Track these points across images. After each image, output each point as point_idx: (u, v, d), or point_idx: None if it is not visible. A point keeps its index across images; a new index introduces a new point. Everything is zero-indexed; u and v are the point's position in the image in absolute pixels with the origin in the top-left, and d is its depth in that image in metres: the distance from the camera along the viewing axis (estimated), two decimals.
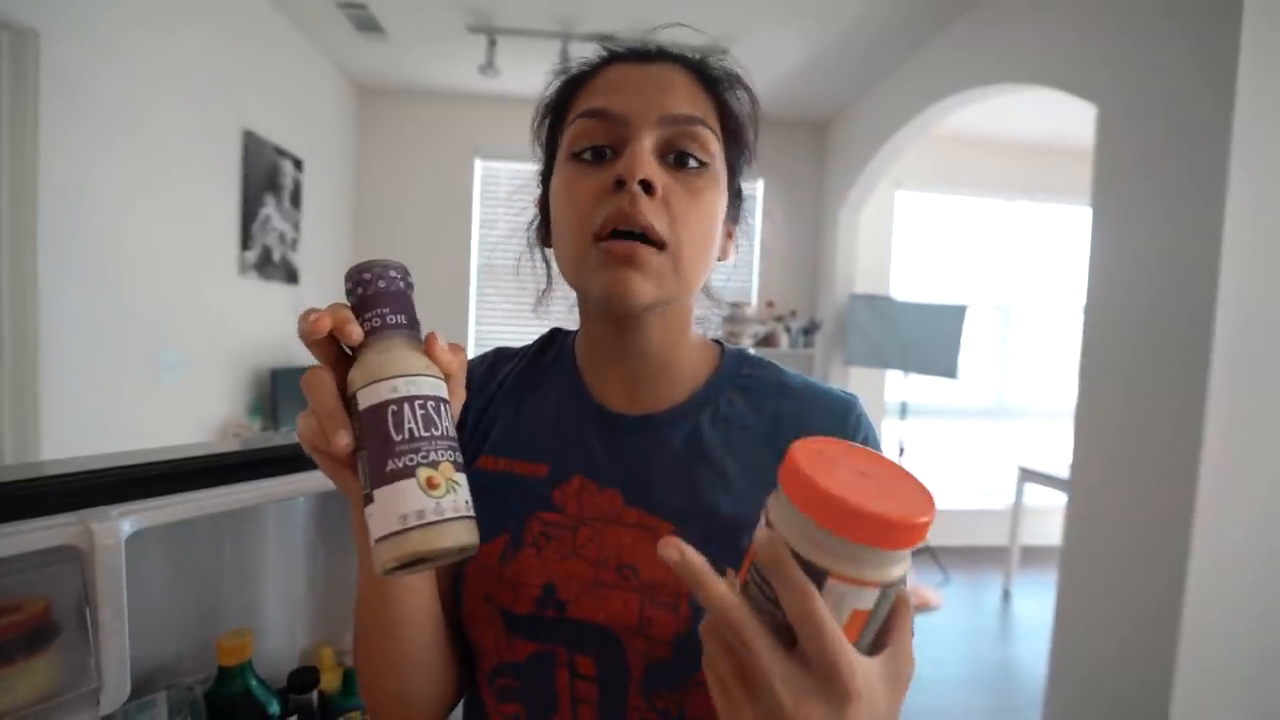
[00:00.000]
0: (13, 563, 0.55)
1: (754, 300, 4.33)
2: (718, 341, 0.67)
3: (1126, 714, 1.79)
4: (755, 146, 0.62)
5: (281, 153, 3.12)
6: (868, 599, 0.32)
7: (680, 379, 0.61)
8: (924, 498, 0.32)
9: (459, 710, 0.63)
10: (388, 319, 0.42)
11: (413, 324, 0.44)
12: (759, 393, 0.61)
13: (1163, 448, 1.71)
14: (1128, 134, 1.90)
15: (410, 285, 0.44)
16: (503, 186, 4.19)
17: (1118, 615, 1.84)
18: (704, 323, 0.67)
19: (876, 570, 0.31)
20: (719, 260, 0.62)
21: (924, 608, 3.41)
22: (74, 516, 0.58)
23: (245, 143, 2.82)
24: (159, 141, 2.28)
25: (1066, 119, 3.08)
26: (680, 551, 0.34)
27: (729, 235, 0.64)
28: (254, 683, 0.74)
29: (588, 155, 0.54)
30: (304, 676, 0.81)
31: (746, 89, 0.60)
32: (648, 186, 0.51)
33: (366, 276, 0.43)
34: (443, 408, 0.42)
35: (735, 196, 0.62)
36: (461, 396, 0.46)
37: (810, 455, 0.33)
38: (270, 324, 3.14)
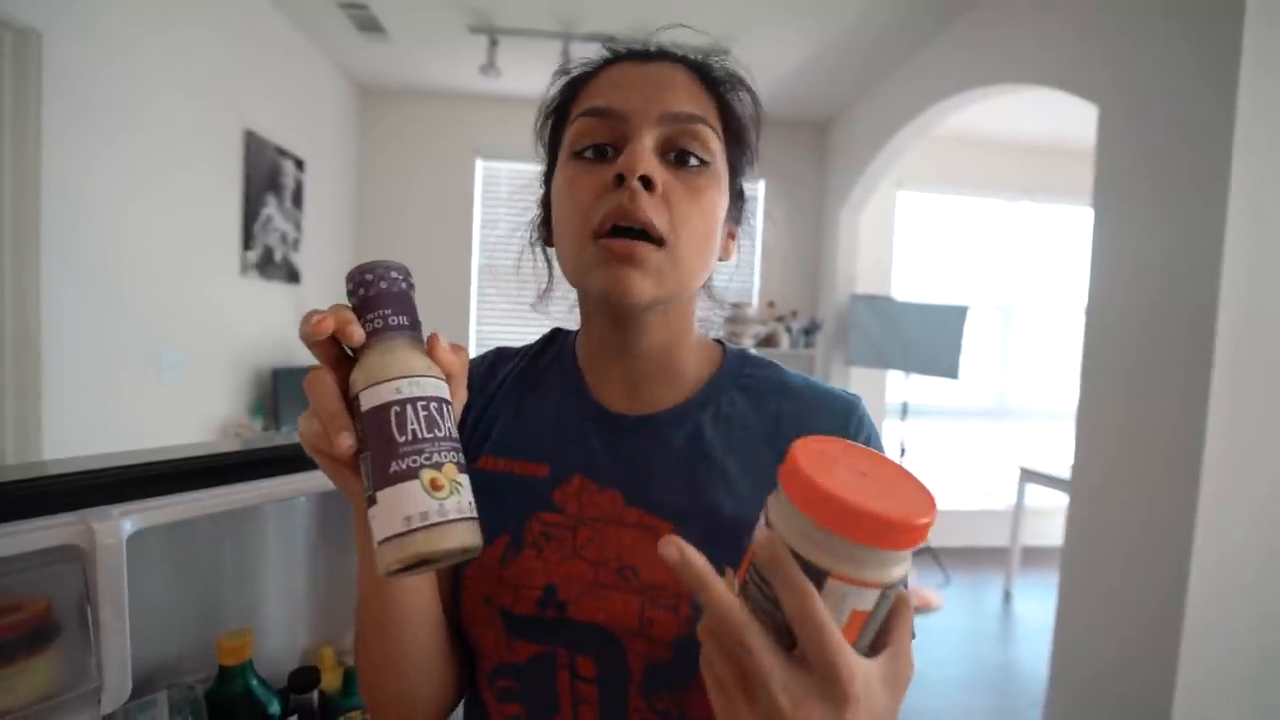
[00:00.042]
0: (14, 562, 0.55)
1: (755, 300, 4.33)
2: (719, 341, 0.66)
3: (1128, 715, 1.79)
4: (757, 148, 0.62)
5: (283, 153, 3.12)
6: (868, 599, 0.32)
7: (682, 378, 0.61)
8: (925, 498, 0.32)
9: (459, 710, 0.63)
10: (390, 320, 0.42)
11: (414, 325, 0.44)
12: (760, 392, 0.61)
13: (1164, 448, 1.71)
14: (1129, 134, 1.90)
15: (412, 286, 0.44)
16: (504, 187, 4.19)
17: (1119, 616, 1.83)
18: (706, 324, 0.67)
19: (877, 571, 0.31)
20: (720, 260, 0.62)
21: (925, 608, 3.41)
22: (75, 516, 0.58)
23: (247, 143, 2.82)
24: (160, 141, 2.28)
25: (1067, 119, 3.08)
26: (680, 551, 0.34)
27: (731, 236, 0.64)
28: (254, 682, 0.75)
29: (589, 153, 0.54)
30: (304, 676, 0.81)
31: (748, 90, 0.60)
32: (648, 182, 0.51)
33: (368, 278, 0.43)
34: (445, 409, 0.42)
35: (737, 197, 0.62)
36: (463, 397, 0.46)
37: (811, 455, 0.33)
38: (271, 324, 3.15)
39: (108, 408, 2.11)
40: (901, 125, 3.32)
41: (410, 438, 0.39)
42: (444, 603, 0.56)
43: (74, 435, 1.93)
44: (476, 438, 0.62)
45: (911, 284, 4.35)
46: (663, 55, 0.58)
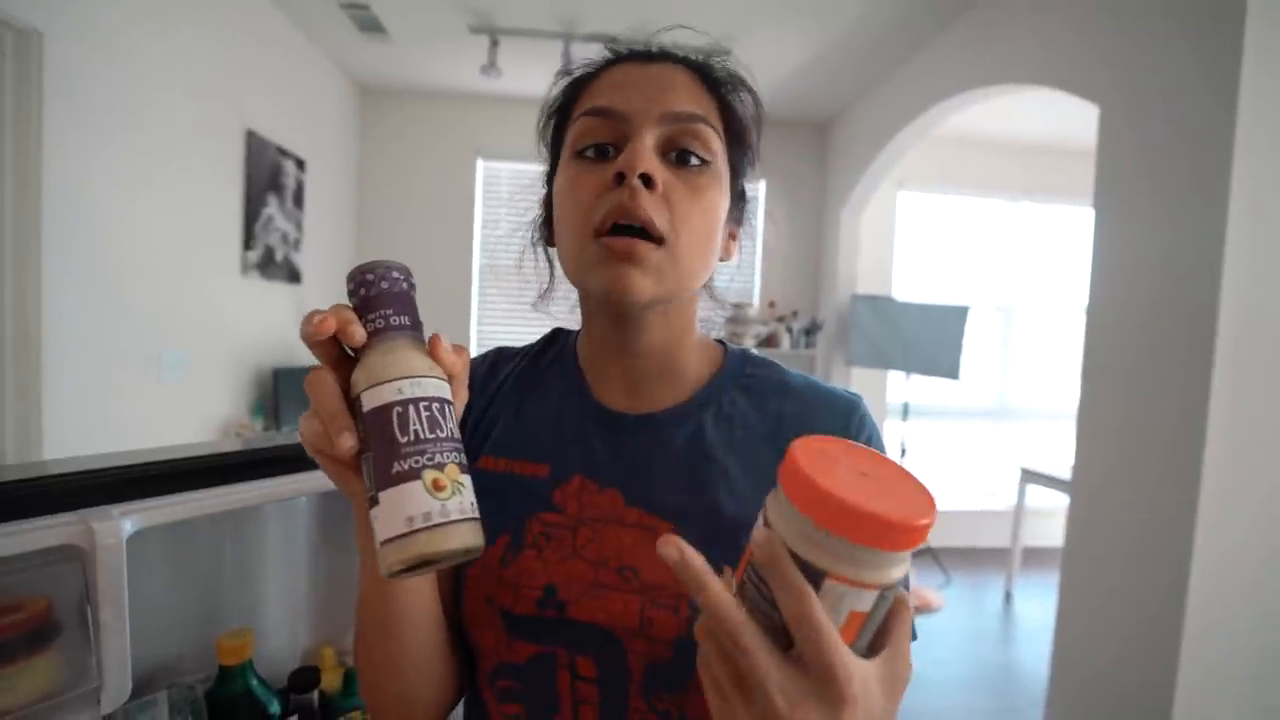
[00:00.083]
0: (14, 562, 0.55)
1: (756, 301, 4.32)
2: (721, 342, 0.67)
3: (1128, 715, 1.78)
4: (759, 148, 0.62)
5: (284, 153, 3.13)
6: (866, 601, 0.32)
7: (682, 378, 0.61)
8: (924, 499, 0.32)
9: (459, 710, 0.63)
10: (391, 320, 0.42)
11: (416, 325, 0.44)
12: (762, 392, 0.61)
13: (1165, 448, 1.71)
14: (1129, 134, 1.89)
15: (413, 286, 0.44)
16: (505, 187, 4.19)
17: (1120, 616, 1.83)
18: (707, 324, 0.67)
19: (875, 572, 0.31)
20: (722, 260, 0.62)
21: (925, 609, 3.41)
22: (75, 516, 0.58)
23: (248, 143, 2.82)
24: (161, 141, 2.28)
25: (1068, 119, 3.08)
26: (679, 550, 0.34)
27: (732, 237, 0.64)
28: (255, 682, 0.75)
29: (590, 153, 0.54)
30: (305, 676, 0.81)
31: (750, 91, 0.60)
32: (648, 181, 0.51)
33: (369, 278, 0.43)
34: (447, 409, 0.42)
35: (738, 198, 0.62)
36: (464, 397, 0.46)
37: (810, 454, 0.32)
38: (272, 324, 3.15)
39: (108, 408, 2.11)
40: (902, 125, 3.32)
41: (412, 438, 0.39)
42: (444, 603, 0.56)
43: (74, 435, 1.93)
44: (477, 438, 0.62)
45: (912, 284, 4.35)
46: (664, 56, 0.58)
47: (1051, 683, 2.10)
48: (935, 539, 4.16)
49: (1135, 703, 1.75)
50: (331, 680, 0.86)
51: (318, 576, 0.92)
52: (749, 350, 0.66)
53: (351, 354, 0.43)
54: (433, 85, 3.95)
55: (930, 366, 3.66)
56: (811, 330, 4.20)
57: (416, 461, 0.39)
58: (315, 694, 0.81)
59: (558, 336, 0.69)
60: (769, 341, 4.12)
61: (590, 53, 0.60)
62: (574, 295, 0.63)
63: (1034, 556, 3.88)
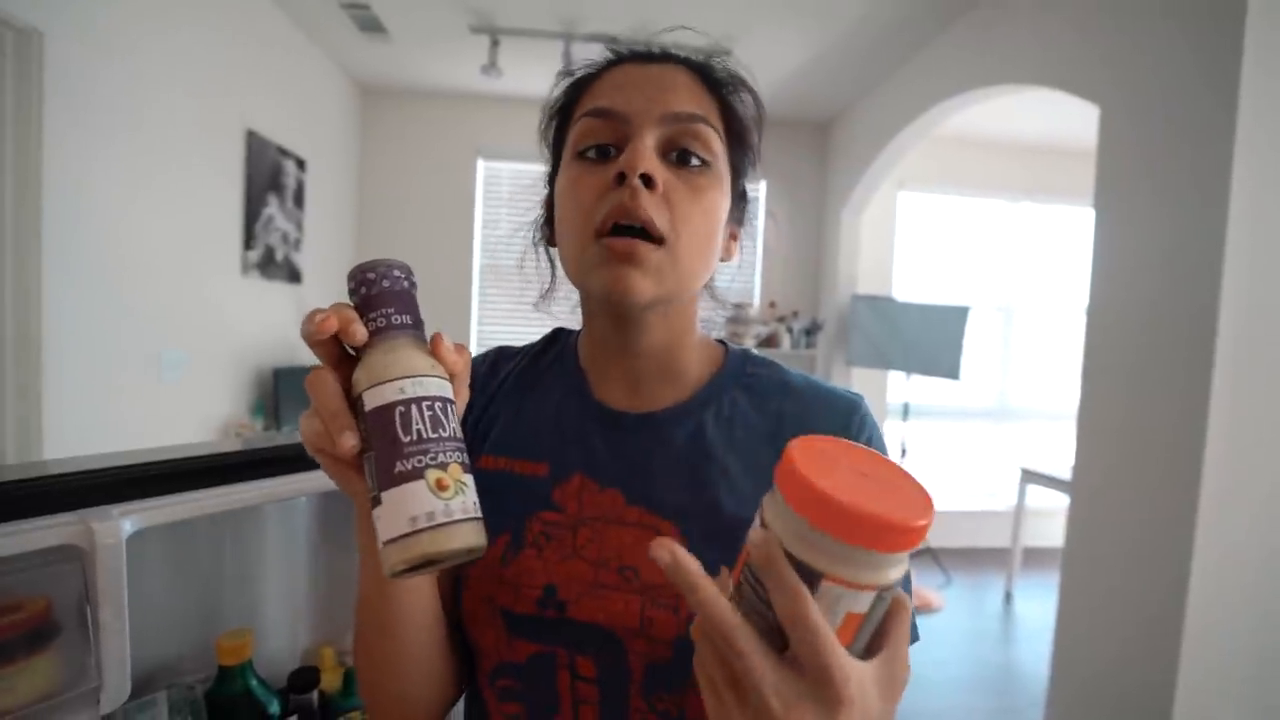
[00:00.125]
0: (14, 562, 0.55)
1: (756, 301, 4.32)
2: (721, 342, 0.67)
3: (1128, 715, 1.78)
4: (759, 149, 0.62)
5: (284, 153, 3.13)
6: (863, 602, 0.31)
7: (683, 378, 0.61)
8: (922, 500, 0.31)
9: (459, 710, 0.63)
10: (393, 319, 0.42)
11: (417, 324, 0.43)
12: (762, 392, 0.61)
13: (1165, 448, 1.71)
14: (1130, 134, 1.89)
15: (414, 285, 0.44)
16: (505, 187, 4.19)
17: (1120, 616, 1.83)
18: (707, 324, 0.67)
19: (872, 573, 0.31)
20: (722, 261, 0.62)
21: (926, 609, 3.41)
22: (75, 516, 0.58)
23: (248, 142, 2.82)
24: (161, 141, 2.28)
25: (1069, 120, 3.08)
26: (672, 553, 0.34)
27: (733, 237, 0.64)
28: (254, 682, 0.75)
29: (591, 153, 0.55)
30: (304, 676, 0.81)
31: (751, 91, 0.60)
32: (648, 181, 0.51)
33: (370, 276, 0.43)
34: (449, 408, 0.42)
35: (739, 198, 0.62)
36: (465, 396, 0.46)
37: (807, 454, 0.32)
38: (273, 324, 3.15)
39: (108, 407, 2.11)
40: (903, 125, 3.32)
41: (415, 438, 0.39)
42: (444, 602, 0.56)
43: (74, 435, 1.93)
44: (477, 437, 0.62)
45: (913, 284, 4.35)
46: (665, 56, 0.58)
47: (1052, 683, 2.09)
48: (935, 539, 4.16)
49: (1135, 703, 1.75)
50: (331, 680, 0.86)
51: (318, 576, 0.92)
52: (750, 350, 0.66)
53: (352, 353, 0.43)
54: (433, 85, 3.95)
55: (930, 367, 3.66)
56: (812, 330, 4.20)
57: (419, 461, 0.39)
58: (315, 694, 0.81)
59: (559, 336, 0.69)
60: (769, 342, 4.12)
61: (591, 53, 0.60)
62: (575, 295, 0.63)
63: (1034, 557, 3.88)
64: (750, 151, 0.61)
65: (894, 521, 0.29)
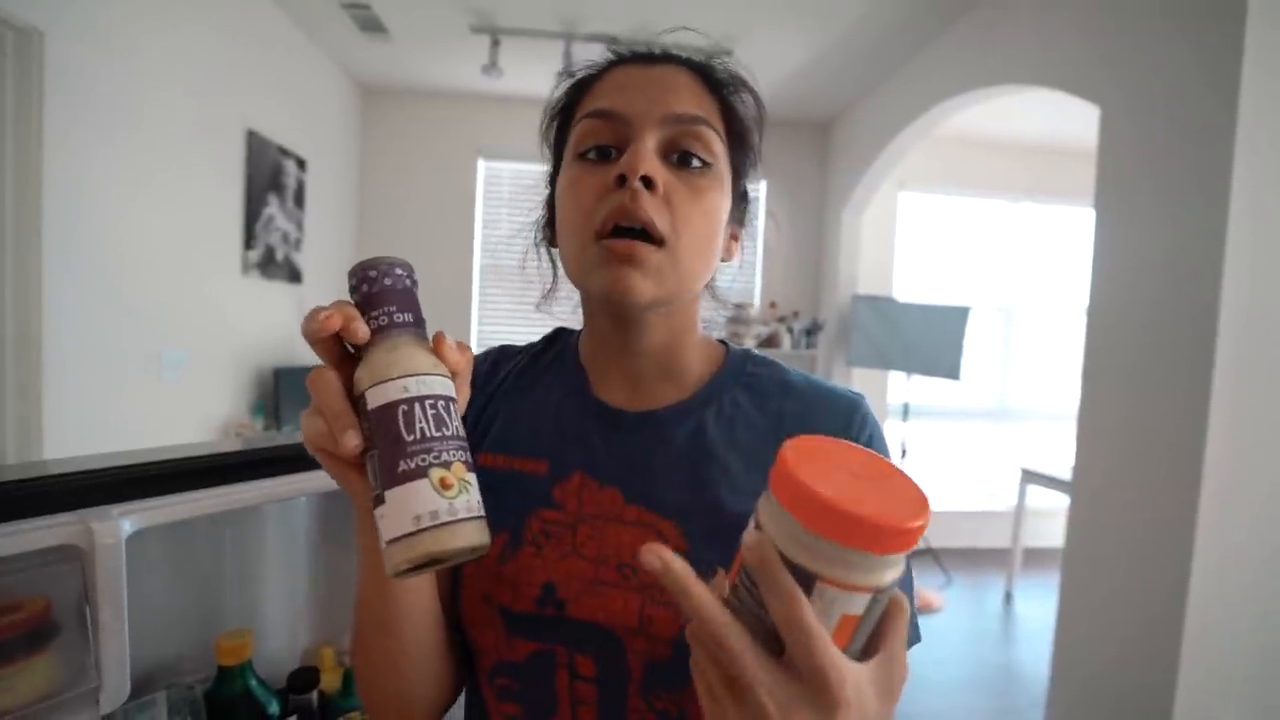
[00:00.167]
0: (13, 562, 0.55)
1: (757, 301, 4.32)
2: (722, 342, 0.67)
3: (1129, 715, 1.78)
4: (760, 150, 0.62)
5: (285, 152, 3.13)
6: (858, 604, 0.31)
7: (684, 377, 0.61)
8: (917, 500, 0.31)
9: (459, 709, 0.63)
10: (395, 317, 0.42)
11: (419, 322, 0.43)
12: (763, 391, 0.61)
13: (1166, 449, 1.71)
14: (1131, 135, 1.89)
15: (415, 283, 0.44)
16: (506, 187, 4.19)
17: (1120, 617, 1.83)
18: (708, 324, 0.67)
19: (868, 575, 0.31)
20: (723, 261, 0.62)
21: (927, 609, 3.41)
22: (74, 516, 0.58)
23: (249, 142, 2.82)
24: (162, 140, 2.28)
25: (1069, 120, 3.08)
26: (662, 559, 0.34)
27: (734, 237, 0.64)
28: (254, 683, 0.74)
29: (592, 155, 0.55)
30: (304, 676, 0.80)
31: (751, 92, 0.60)
32: (649, 182, 0.51)
33: (372, 274, 0.42)
34: (452, 407, 0.42)
35: (740, 199, 0.62)
36: (467, 395, 0.46)
37: (802, 455, 0.32)
38: (273, 323, 3.15)
39: (108, 407, 2.11)
40: (903, 125, 3.31)
41: (419, 436, 0.39)
42: (443, 601, 0.56)
43: (74, 434, 1.93)
44: (476, 435, 0.62)
45: (913, 285, 4.35)
46: (666, 57, 0.58)
47: (1052, 683, 2.09)
48: (936, 540, 4.16)
49: (1136, 703, 1.75)
50: (331, 680, 0.86)
51: (317, 576, 0.92)
52: (750, 350, 0.66)
53: (353, 351, 0.43)
54: (434, 85, 3.95)
55: (931, 367, 3.66)
56: (812, 330, 4.20)
57: (423, 460, 0.38)
58: (314, 694, 0.81)
59: (559, 336, 0.69)
60: (770, 342, 4.12)
61: (592, 53, 0.60)
62: (577, 295, 0.63)
63: (1034, 557, 3.88)
64: (751, 152, 0.61)
65: (888, 523, 0.29)
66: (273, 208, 3.05)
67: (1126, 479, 1.85)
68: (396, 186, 4.10)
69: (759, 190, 0.68)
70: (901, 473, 0.34)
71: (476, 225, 4.14)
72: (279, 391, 3.08)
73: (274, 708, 0.75)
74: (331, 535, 0.93)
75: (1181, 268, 1.69)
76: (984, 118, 3.55)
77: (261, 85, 2.94)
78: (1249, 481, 1.62)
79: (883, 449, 0.59)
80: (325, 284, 3.53)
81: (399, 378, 0.40)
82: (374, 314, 0.42)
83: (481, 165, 4.14)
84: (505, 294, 4.18)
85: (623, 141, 0.54)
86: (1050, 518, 3.62)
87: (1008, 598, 3.67)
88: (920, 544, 4.11)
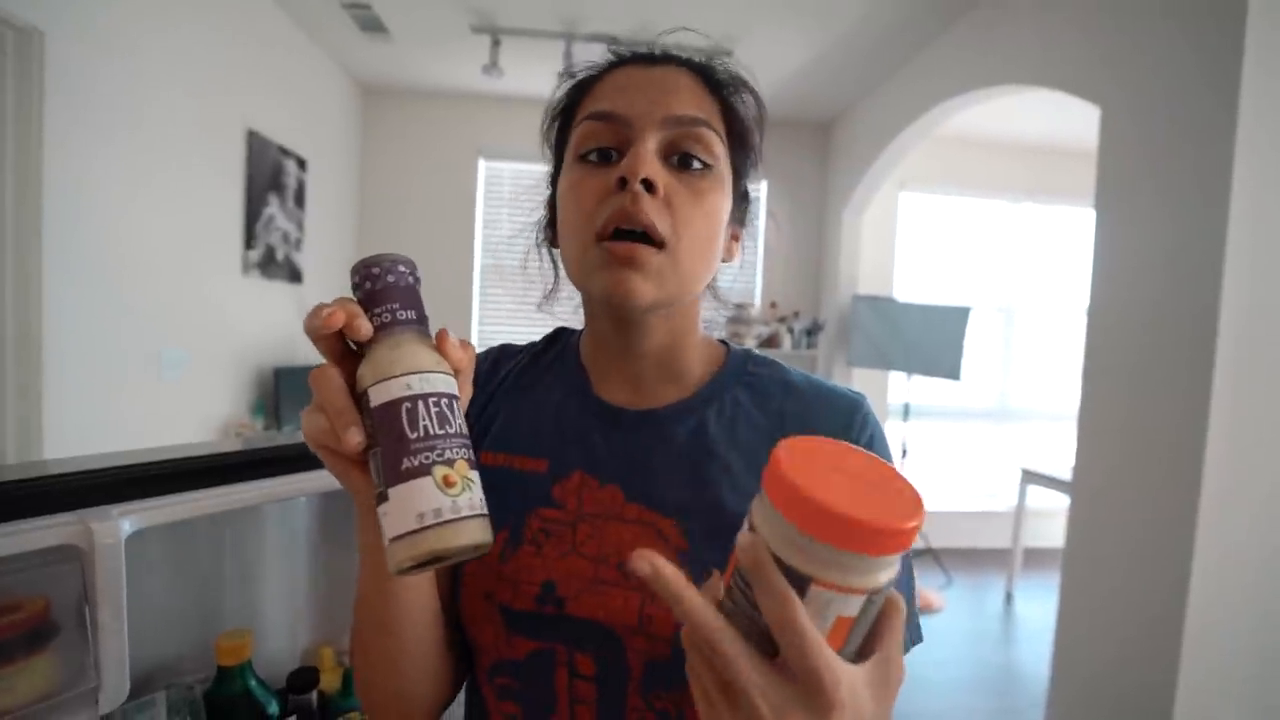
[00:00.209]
0: (13, 562, 0.55)
1: (757, 301, 4.32)
2: (723, 342, 0.67)
3: (1129, 715, 1.78)
4: (761, 150, 0.62)
5: (285, 152, 3.13)
6: (853, 605, 0.31)
7: (685, 377, 0.61)
8: (912, 501, 0.31)
9: (459, 707, 0.63)
10: (398, 314, 0.42)
11: (422, 320, 0.43)
12: (764, 390, 0.61)
13: (1166, 449, 1.71)
14: (1131, 135, 1.89)
15: (418, 280, 0.44)
16: (506, 186, 4.19)
17: (1120, 617, 1.83)
18: (709, 324, 0.67)
19: (862, 577, 0.30)
20: (724, 261, 0.62)
21: (927, 610, 3.41)
22: (74, 516, 0.58)
23: (249, 142, 2.82)
24: (162, 140, 2.28)
25: (1070, 120, 3.08)
26: (652, 564, 0.33)
27: (735, 238, 0.64)
28: (253, 683, 0.74)
29: (593, 157, 0.55)
30: (303, 676, 0.80)
31: (752, 92, 0.60)
32: (649, 186, 0.51)
33: (375, 271, 0.42)
34: (455, 404, 0.42)
35: (741, 199, 0.62)
36: (469, 393, 0.46)
37: (795, 457, 0.32)
38: (273, 323, 3.15)
39: (108, 407, 2.11)
40: (904, 126, 3.31)
41: (422, 434, 0.39)
42: (442, 599, 0.56)
43: (74, 434, 1.93)
44: (476, 433, 0.62)
45: (913, 285, 4.34)
46: (667, 58, 0.58)
47: (1052, 683, 2.09)
48: (936, 540, 4.16)
49: (1136, 703, 1.75)
50: (330, 681, 0.86)
51: (317, 576, 0.92)
52: (751, 350, 0.66)
53: (355, 349, 0.43)
54: (434, 85, 3.95)
55: (931, 367, 3.66)
56: (813, 331, 4.20)
57: (427, 458, 0.38)
58: (314, 694, 0.81)
59: (560, 335, 0.69)
60: (770, 342, 4.12)
61: (592, 53, 0.60)
62: (578, 295, 0.63)
63: (1035, 557, 3.88)
64: (752, 153, 0.61)
65: (882, 525, 0.29)
66: (273, 207, 3.05)
67: (1127, 479, 1.85)
68: (397, 186, 4.10)
69: (759, 190, 0.68)
70: (896, 472, 0.34)
71: (477, 225, 4.14)
72: (279, 391, 3.08)
73: (273, 708, 0.75)
74: (331, 535, 0.93)
75: (1182, 268, 1.69)
76: (984, 118, 3.55)
77: (262, 85, 2.94)
78: (1249, 481, 1.62)
79: (884, 449, 0.59)
80: (325, 284, 3.53)
81: (402, 375, 0.40)
82: (377, 311, 0.42)
83: (482, 165, 4.14)
84: (506, 294, 4.18)
85: (623, 143, 0.54)
86: (1050, 518, 3.62)
87: (1008, 598, 3.67)
88: (920, 544, 4.12)
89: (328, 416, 0.40)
